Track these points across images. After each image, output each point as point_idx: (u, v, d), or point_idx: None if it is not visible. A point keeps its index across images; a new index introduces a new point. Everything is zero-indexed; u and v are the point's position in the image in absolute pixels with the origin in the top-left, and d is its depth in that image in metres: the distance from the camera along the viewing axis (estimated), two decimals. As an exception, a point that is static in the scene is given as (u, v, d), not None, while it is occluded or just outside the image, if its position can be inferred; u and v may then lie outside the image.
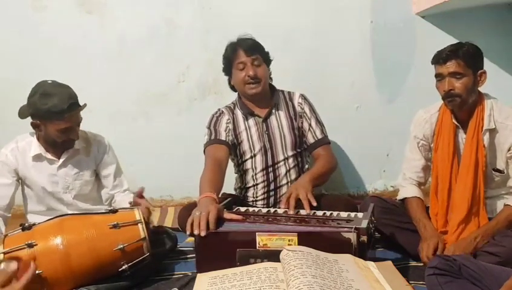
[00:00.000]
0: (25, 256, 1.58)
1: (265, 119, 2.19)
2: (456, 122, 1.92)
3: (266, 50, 2.17)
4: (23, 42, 2.62)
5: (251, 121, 2.19)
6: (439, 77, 1.87)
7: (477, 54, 1.86)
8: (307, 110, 2.22)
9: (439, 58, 1.85)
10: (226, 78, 2.61)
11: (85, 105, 2.04)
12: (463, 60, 1.81)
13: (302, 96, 2.24)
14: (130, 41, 2.64)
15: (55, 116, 1.94)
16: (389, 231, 1.99)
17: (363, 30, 2.61)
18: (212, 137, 2.16)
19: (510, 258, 1.67)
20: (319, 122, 2.22)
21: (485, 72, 1.86)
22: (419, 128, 2.03)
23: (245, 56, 2.10)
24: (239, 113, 2.21)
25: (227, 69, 2.19)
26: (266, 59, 2.17)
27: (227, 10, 2.61)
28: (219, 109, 2.26)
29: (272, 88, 2.23)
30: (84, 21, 2.62)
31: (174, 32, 2.64)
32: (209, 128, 2.20)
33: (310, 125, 2.21)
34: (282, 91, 2.26)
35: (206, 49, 2.65)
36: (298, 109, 2.22)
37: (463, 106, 1.86)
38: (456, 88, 1.82)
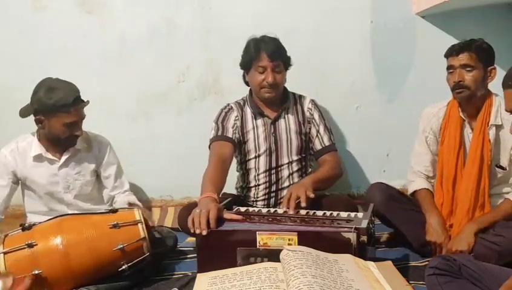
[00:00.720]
0: (23, 258, 1.58)
1: (274, 121, 2.18)
2: (463, 116, 1.94)
3: (287, 54, 2.14)
4: (23, 42, 2.62)
5: (259, 121, 2.18)
6: (450, 68, 1.91)
7: (490, 50, 1.92)
8: (316, 116, 2.21)
9: (452, 51, 1.90)
10: (226, 78, 2.64)
11: (88, 102, 2.06)
12: (476, 53, 1.86)
13: (313, 102, 2.24)
14: (130, 41, 2.64)
15: (61, 109, 1.96)
16: (394, 220, 2.00)
17: (363, 30, 2.61)
18: (219, 133, 2.15)
19: (509, 248, 1.67)
20: (327, 129, 2.22)
21: (495, 69, 1.91)
22: (427, 122, 2.06)
23: (267, 61, 2.06)
24: (248, 111, 2.20)
25: (246, 65, 2.14)
26: (287, 65, 2.15)
27: (227, 10, 2.61)
28: (228, 104, 2.24)
29: (284, 90, 2.22)
30: (84, 21, 2.61)
31: (174, 32, 2.63)
32: (216, 123, 2.18)
33: (318, 131, 2.20)
34: (294, 94, 2.25)
35: (206, 49, 2.64)
36: (307, 114, 2.21)
37: (471, 99, 1.89)
38: (465, 80, 1.86)
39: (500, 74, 2.56)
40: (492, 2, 2.52)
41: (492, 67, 1.91)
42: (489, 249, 1.69)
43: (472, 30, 2.54)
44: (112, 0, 2.61)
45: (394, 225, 2.02)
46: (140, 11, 2.62)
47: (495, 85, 1.91)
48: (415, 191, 2.05)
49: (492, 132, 1.89)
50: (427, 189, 2.03)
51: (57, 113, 1.97)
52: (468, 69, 1.87)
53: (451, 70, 1.91)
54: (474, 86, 1.87)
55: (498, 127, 1.89)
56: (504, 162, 1.90)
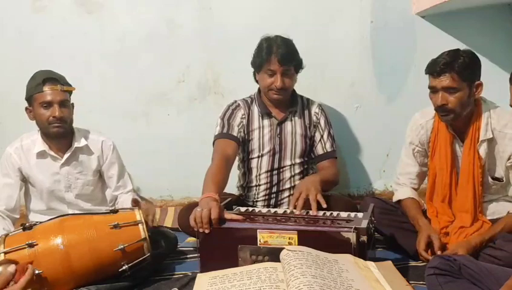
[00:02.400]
0: (23, 258, 1.58)
1: (281, 123, 2.18)
2: (452, 132, 1.90)
3: (300, 57, 2.12)
4: (23, 42, 2.62)
5: (266, 121, 2.18)
6: (432, 89, 1.82)
7: (474, 65, 1.79)
8: (322, 121, 2.21)
9: (433, 71, 1.79)
10: (226, 78, 2.64)
11: (69, 87, 2.07)
12: (458, 74, 1.74)
13: (320, 107, 2.24)
14: (130, 41, 2.64)
15: (36, 90, 2.01)
16: (389, 232, 2.00)
17: (363, 30, 2.61)
18: (224, 130, 2.14)
19: (511, 262, 1.66)
20: (330, 136, 2.22)
21: (481, 84, 1.81)
22: (415, 134, 2.01)
23: (277, 65, 2.04)
24: (256, 110, 2.20)
25: (256, 66, 2.13)
26: (299, 68, 2.13)
27: (227, 10, 2.61)
28: (235, 101, 2.23)
29: (293, 92, 2.21)
30: (84, 21, 2.61)
31: (174, 32, 2.63)
32: (222, 119, 2.17)
33: (322, 136, 2.20)
34: (302, 97, 2.25)
35: (206, 49, 2.64)
36: (313, 118, 2.21)
37: (456, 119, 1.83)
38: (449, 102, 1.78)
39: (499, 74, 2.58)
40: (492, 2, 2.52)
41: (479, 82, 1.80)
42: (491, 264, 1.67)
43: (472, 30, 2.55)
44: (112, 1, 2.62)
45: (390, 237, 2.00)
46: (140, 11, 2.62)
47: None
48: (400, 200, 2.04)
49: (483, 147, 1.83)
50: (412, 198, 2.01)
51: (34, 95, 2.02)
52: (452, 91, 1.76)
53: (432, 91, 1.82)
54: (459, 107, 1.78)
55: (491, 141, 1.83)
56: (500, 173, 1.86)
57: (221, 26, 2.62)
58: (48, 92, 2.01)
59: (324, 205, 1.82)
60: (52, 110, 2.01)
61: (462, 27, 2.55)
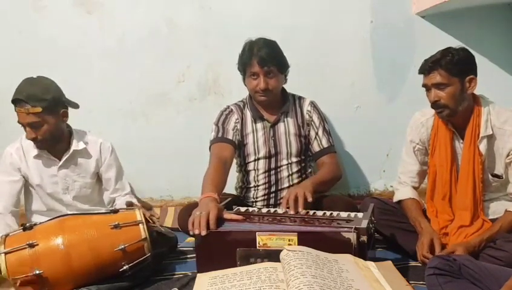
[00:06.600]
0: (24, 258, 1.58)
1: (274, 125, 2.18)
2: (452, 129, 1.90)
3: (283, 58, 2.12)
4: (23, 42, 2.62)
5: (259, 125, 2.19)
6: (425, 87, 1.86)
7: (464, 60, 1.82)
8: (315, 118, 2.21)
9: (424, 70, 1.84)
10: (226, 78, 2.64)
11: (35, 108, 1.92)
12: (446, 70, 1.78)
13: (312, 104, 2.24)
14: (130, 41, 2.64)
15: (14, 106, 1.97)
16: (388, 232, 2.00)
17: (363, 30, 2.61)
18: (220, 135, 2.15)
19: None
20: (326, 131, 2.22)
21: (474, 78, 1.82)
22: (415, 132, 2.02)
23: (258, 67, 2.05)
24: (248, 114, 2.21)
25: (241, 70, 2.15)
26: (282, 68, 2.12)
27: (227, 10, 2.61)
28: (228, 106, 2.25)
29: (284, 92, 2.21)
30: (84, 21, 2.61)
31: (174, 32, 2.63)
32: (217, 125, 2.18)
33: (316, 134, 2.20)
34: (293, 96, 2.25)
35: (206, 49, 2.65)
36: (306, 116, 2.21)
37: (453, 115, 1.84)
38: (441, 98, 1.81)
39: (499, 73, 2.59)
40: (492, 2, 2.52)
41: (471, 77, 1.81)
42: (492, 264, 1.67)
43: (472, 30, 2.55)
44: (112, 1, 2.61)
45: (391, 238, 2.00)
46: (140, 11, 2.62)
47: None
48: (401, 201, 2.04)
49: (483, 144, 1.84)
50: (413, 199, 2.01)
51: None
52: (442, 87, 1.80)
53: (426, 89, 1.86)
54: (452, 103, 1.80)
55: (490, 137, 1.84)
56: (500, 170, 1.87)
57: (221, 26, 2.62)
58: (18, 114, 1.97)
59: (309, 199, 1.83)
60: (28, 131, 1.98)
61: (462, 27, 2.56)
